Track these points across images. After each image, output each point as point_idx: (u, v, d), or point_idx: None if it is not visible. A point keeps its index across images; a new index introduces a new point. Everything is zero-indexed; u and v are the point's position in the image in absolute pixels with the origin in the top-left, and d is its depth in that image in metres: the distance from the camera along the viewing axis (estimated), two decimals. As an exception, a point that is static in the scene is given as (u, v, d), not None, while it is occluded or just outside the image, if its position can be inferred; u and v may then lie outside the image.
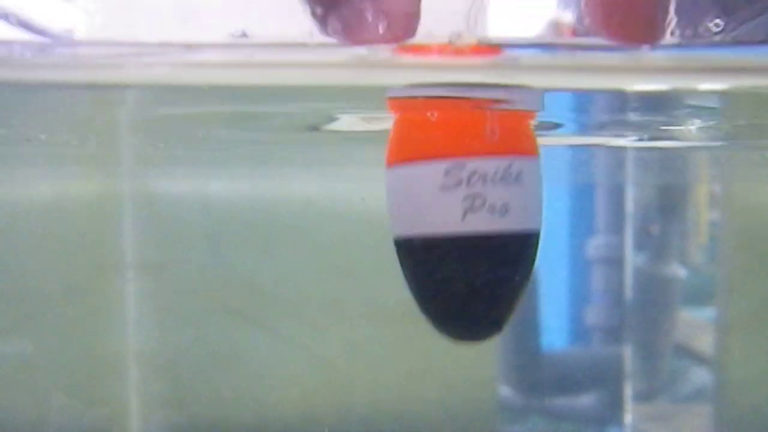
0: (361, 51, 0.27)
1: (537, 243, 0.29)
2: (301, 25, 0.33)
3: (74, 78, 0.33)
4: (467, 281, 0.28)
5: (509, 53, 0.27)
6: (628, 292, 0.75)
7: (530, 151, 0.28)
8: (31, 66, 0.31)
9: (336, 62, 0.27)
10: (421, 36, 0.26)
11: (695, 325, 0.75)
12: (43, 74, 0.33)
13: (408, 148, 0.28)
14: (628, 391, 0.75)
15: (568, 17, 0.33)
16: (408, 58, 0.26)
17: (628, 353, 0.75)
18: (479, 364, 0.66)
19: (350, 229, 0.58)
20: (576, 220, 0.78)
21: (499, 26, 0.33)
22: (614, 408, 0.76)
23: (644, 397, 0.75)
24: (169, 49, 0.30)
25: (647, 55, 0.28)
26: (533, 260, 0.29)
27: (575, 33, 0.33)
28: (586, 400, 0.77)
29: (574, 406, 0.77)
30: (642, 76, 0.30)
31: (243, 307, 0.66)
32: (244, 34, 0.34)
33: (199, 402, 0.67)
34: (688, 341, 0.76)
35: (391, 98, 0.30)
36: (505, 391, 0.75)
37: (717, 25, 0.31)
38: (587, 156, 0.58)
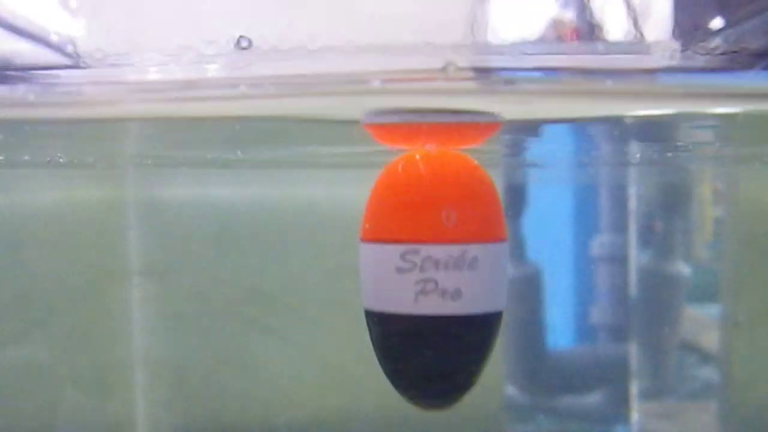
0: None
1: (493, 323, 0.30)
2: (301, 30, 0.33)
3: (77, 115, 0.34)
4: (420, 358, 0.30)
5: (507, 77, 0.28)
6: (633, 291, 0.75)
7: (490, 237, 0.29)
8: (35, 105, 0.32)
9: (327, 92, 0.29)
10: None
11: (701, 322, 0.75)
12: (46, 112, 0.33)
13: (373, 227, 0.30)
14: (634, 389, 0.75)
15: (568, 16, 0.33)
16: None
17: (633, 351, 0.75)
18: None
19: (355, 231, 0.59)
20: (580, 219, 0.78)
21: (499, 27, 0.33)
22: (620, 406, 0.76)
23: (650, 395, 0.75)
24: (170, 86, 0.30)
25: (647, 80, 0.29)
26: (490, 339, 0.30)
27: (577, 32, 0.33)
28: (592, 399, 0.77)
29: (581, 405, 0.77)
30: (642, 101, 0.31)
31: (249, 311, 0.66)
32: (244, 41, 0.34)
33: (205, 405, 0.68)
34: (694, 339, 0.76)
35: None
36: (512, 390, 0.75)
37: (716, 25, 0.31)
38: (590, 155, 0.59)
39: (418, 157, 0.30)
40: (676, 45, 0.33)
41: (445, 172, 0.30)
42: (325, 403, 0.67)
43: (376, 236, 0.30)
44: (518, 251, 0.75)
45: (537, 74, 0.29)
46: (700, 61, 0.33)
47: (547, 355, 0.79)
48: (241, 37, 0.32)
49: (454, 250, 0.28)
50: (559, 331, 0.79)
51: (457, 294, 0.29)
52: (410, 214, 0.29)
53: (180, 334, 0.67)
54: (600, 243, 0.77)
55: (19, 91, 0.32)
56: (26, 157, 0.50)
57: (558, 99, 0.30)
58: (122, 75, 0.32)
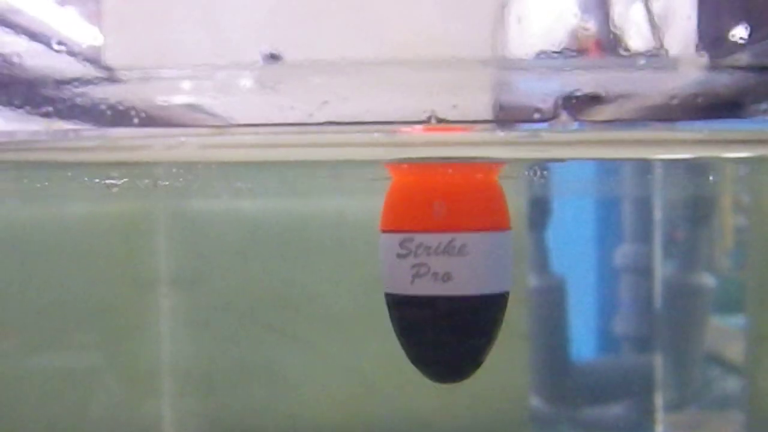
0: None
1: (490, 304, 0.33)
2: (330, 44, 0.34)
3: (103, 158, 0.35)
4: (421, 335, 0.34)
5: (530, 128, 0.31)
6: (658, 301, 0.75)
7: (479, 226, 0.33)
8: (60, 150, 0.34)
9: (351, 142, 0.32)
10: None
11: (725, 333, 0.75)
12: (70, 156, 0.35)
13: (384, 220, 0.34)
14: (659, 400, 0.75)
15: (590, 26, 0.33)
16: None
17: (658, 362, 0.75)
18: (511, 374, 0.66)
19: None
20: (603, 230, 0.78)
21: (520, 40, 0.33)
22: (645, 417, 0.75)
23: (675, 406, 0.75)
24: (198, 131, 0.32)
25: (671, 129, 0.30)
26: (489, 319, 0.34)
27: (599, 43, 0.33)
28: (616, 410, 0.77)
29: (605, 416, 0.77)
30: (666, 148, 0.32)
31: (276, 321, 0.66)
32: (274, 55, 0.35)
33: (232, 414, 0.68)
34: (718, 349, 0.76)
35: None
36: (536, 401, 0.75)
37: (741, 38, 0.31)
38: (614, 166, 0.59)
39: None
40: (702, 59, 0.33)
41: (441, 168, 0.34)
42: (350, 412, 0.67)
43: (384, 227, 0.34)
44: (542, 262, 0.75)
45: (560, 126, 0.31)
46: (725, 78, 0.33)
47: (571, 366, 0.79)
48: (271, 53, 0.33)
49: (444, 238, 0.32)
50: (584, 342, 0.79)
51: (447, 277, 0.32)
52: (407, 206, 0.34)
53: (208, 342, 0.67)
54: (623, 253, 0.77)
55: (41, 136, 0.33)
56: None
57: (582, 148, 0.33)
58: (154, 91, 0.33)
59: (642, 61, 0.33)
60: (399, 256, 0.33)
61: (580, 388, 0.78)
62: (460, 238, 0.32)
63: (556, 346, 0.78)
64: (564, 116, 0.33)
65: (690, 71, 0.33)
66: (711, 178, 0.61)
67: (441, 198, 0.33)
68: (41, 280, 0.65)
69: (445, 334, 0.33)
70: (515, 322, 0.69)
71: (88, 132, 0.34)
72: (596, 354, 0.80)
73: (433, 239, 0.32)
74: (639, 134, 0.31)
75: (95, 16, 0.38)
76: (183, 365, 0.67)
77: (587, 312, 0.79)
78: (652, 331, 0.76)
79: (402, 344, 0.35)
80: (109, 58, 0.38)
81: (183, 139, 0.33)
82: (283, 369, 0.67)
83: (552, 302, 0.76)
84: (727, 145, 0.33)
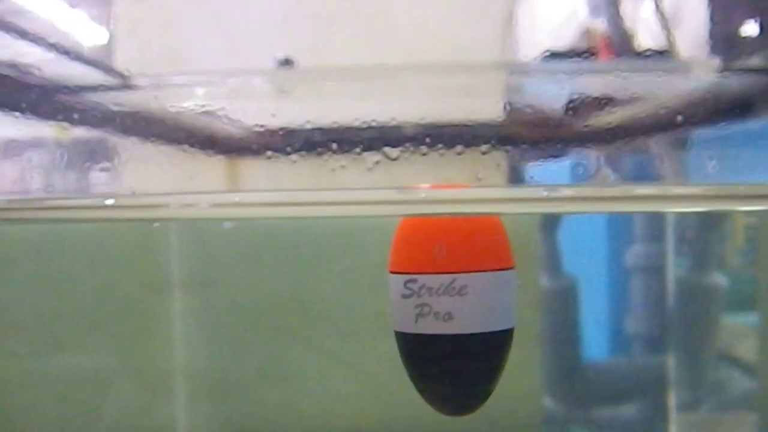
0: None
1: (491, 342, 0.35)
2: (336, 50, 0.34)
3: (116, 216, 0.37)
4: (428, 371, 0.35)
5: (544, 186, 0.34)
6: (670, 301, 0.75)
7: (480, 267, 0.34)
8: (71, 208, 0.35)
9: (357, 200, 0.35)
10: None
11: (738, 332, 0.75)
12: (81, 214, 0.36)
13: (391, 261, 0.36)
14: (672, 400, 0.74)
15: (600, 25, 0.33)
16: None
17: (670, 362, 0.75)
18: (523, 375, 0.66)
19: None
20: (615, 229, 0.78)
21: (530, 39, 0.33)
22: (657, 417, 0.75)
23: (688, 406, 0.75)
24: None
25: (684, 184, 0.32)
26: (492, 355, 0.35)
27: (608, 41, 0.33)
28: (629, 410, 0.76)
29: (617, 417, 0.77)
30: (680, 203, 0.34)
31: (288, 324, 0.67)
32: (287, 61, 0.35)
33: (245, 418, 0.68)
34: (731, 349, 0.76)
35: None
36: (548, 401, 0.75)
37: (752, 37, 0.31)
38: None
39: None
40: (715, 62, 0.33)
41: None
42: (362, 414, 0.67)
43: (391, 268, 0.36)
44: (553, 263, 0.75)
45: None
46: (737, 82, 0.33)
47: (583, 366, 0.79)
48: (285, 58, 0.33)
49: (444, 279, 0.34)
50: (596, 342, 0.79)
51: (448, 316, 0.34)
52: (410, 248, 0.35)
53: (220, 345, 0.67)
54: (635, 253, 0.77)
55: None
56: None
57: (593, 204, 0.35)
58: (168, 97, 0.34)
59: (652, 64, 0.33)
60: (403, 296, 0.34)
61: (593, 388, 0.78)
62: (461, 278, 0.34)
63: (569, 347, 0.78)
64: (604, 172, 0.34)
65: (702, 74, 0.33)
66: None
67: (442, 240, 0.34)
68: (55, 283, 0.65)
69: (449, 370, 0.35)
70: (527, 322, 0.69)
71: (101, 191, 0.36)
72: (608, 354, 0.80)
73: (434, 280, 0.34)
74: (653, 190, 0.34)
75: (105, 19, 0.38)
76: (196, 368, 0.68)
77: (599, 312, 0.79)
78: (665, 330, 0.76)
79: (411, 379, 0.36)
80: (121, 64, 0.38)
81: (194, 198, 0.35)
82: (296, 372, 0.67)
83: (564, 302, 0.76)
84: (740, 200, 0.35)
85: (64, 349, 0.66)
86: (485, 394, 0.36)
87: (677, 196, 0.34)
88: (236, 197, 0.36)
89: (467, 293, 0.34)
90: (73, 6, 0.39)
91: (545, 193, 0.34)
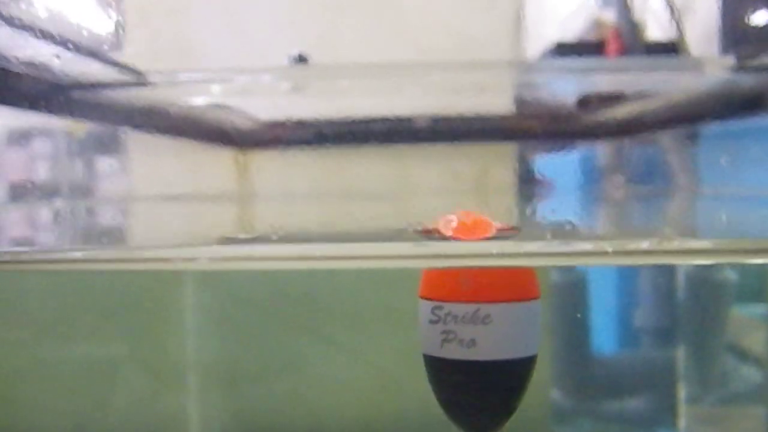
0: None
1: (512, 368, 0.36)
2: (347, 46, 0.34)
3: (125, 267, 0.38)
4: (452, 393, 0.37)
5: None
6: (679, 294, 0.75)
7: (503, 298, 0.36)
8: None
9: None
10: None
11: (747, 324, 0.75)
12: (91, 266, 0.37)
13: (421, 287, 0.38)
14: (681, 393, 0.74)
15: (609, 16, 0.33)
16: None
17: (680, 355, 0.75)
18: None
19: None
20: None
21: (540, 31, 0.34)
22: (666, 410, 0.75)
23: (696, 399, 0.75)
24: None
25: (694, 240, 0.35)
26: (513, 381, 0.37)
27: (618, 33, 0.33)
28: (637, 403, 0.77)
29: (626, 409, 0.77)
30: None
31: (299, 317, 0.67)
32: (301, 58, 0.35)
33: (255, 409, 0.69)
34: (741, 341, 0.75)
35: None
36: (557, 394, 0.76)
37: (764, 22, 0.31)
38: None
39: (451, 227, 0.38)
40: (729, 61, 0.33)
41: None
42: (374, 409, 0.67)
43: (421, 293, 0.38)
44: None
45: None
46: (750, 80, 0.34)
47: (593, 359, 0.79)
48: (300, 54, 0.33)
49: (469, 308, 0.36)
50: (605, 335, 0.79)
51: (472, 343, 0.36)
52: (438, 277, 0.37)
53: (232, 338, 0.68)
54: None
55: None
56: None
57: (610, 258, 0.36)
58: (184, 95, 0.34)
59: (663, 62, 0.34)
60: (431, 321, 0.36)
61: (602, 381, 0.78)
62: (484, 308, 0.36)
63: (578, 340, 0.78)
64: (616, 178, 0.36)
65: (713, 71, 0.33)
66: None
67: (468, 270, 0.37)
68: (65, 275, 0.66)
69: (472, 393, 0.37)
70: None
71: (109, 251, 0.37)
72: (617, 347, 0.80)
73: (459, 309, 0.36)
74: (663, 246, 0.35)
75: (115, 10, 0.38)
76: (207, 360, 0.68)
77: (608, 305, 0.79)
78: (674, 323, 0.76)
79: (437, 400, 0.38)
80: (131, 55, 0.38)
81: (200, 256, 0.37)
82: (307, 365, 0.68)
83: (573, 296, 0.76)
84: (747, 254, 0.36)
85: (75, 340, 0.66)
86: (506, 416, 0.38)
87: (690, 251, 0.36)
88: (250, 250, 0.38)
89: (490, 322, 0.36)
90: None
91: (561, 249, 0.36)
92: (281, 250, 0.37)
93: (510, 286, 0.37)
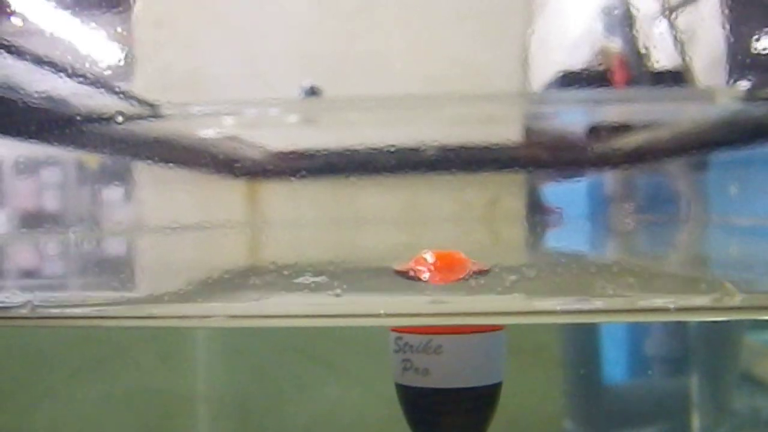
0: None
1: (469, 396, 0.39)
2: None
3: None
4: (414, 417, 0.40)
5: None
6: (691, 322, 0.75)
7: (455, 330, 0.38)
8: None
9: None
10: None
11: (759, 351, 0.74)
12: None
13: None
14: (695, 422, 0.74)
15: (615, 45, 0.34)
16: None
17: (693, 384, 0.74)
18: (544, 398, 0.66)
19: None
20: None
21: (545, 59, 0.34)
22: (680, 440, 0.75)
23: (711, 429, 0.74)
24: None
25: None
26: (471, 408, 0.39)
27: (624, 61, 0.33)
28: (652, 433, 0.76)
29: (640, 439, 0.76)
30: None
31: (309, 346, 0.67)
32: (313, 90, 0.36)
33: (267, 440, 0.69)
34: (753, 369, 0.75)
35: None
36: (570, 424, 0.75)
37: None
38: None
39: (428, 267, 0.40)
40: (740, 91, 0.34)
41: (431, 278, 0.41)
42: (384, 437, 0.67)
43: (390, 326, 0.40)
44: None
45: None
46: (762, 109, 0.34)
47: (605, 389, 0.78)
48: (312, 87, 0.34)
49: (423, 339, 0.38)
50: (617, 365, 0.79)
51: (425, 371, 0.38)
52: None
53: (242, 368, 0.68)
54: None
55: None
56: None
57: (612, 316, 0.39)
58: (196, 127, 0.35)
59: (670, 92, 0.34)
60: (394, 351, 0.39)
61: (615, 411, 0.78)
62: (436, 339, 0.38)
63: (590, 369, 0.77)
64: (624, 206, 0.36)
65: (724, 100, 0.33)
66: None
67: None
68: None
69: (430, 418, 0.39)
70: (548, 346, 0.69)
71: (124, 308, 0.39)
72: (630, 377, 0.80)
73: (414, 339, 0.39)
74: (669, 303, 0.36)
75: (127, 42, 0.39)
76: (218, 391, 0.68)
77: (620, 334, 0.78)
78: (686, 352, 0.75)
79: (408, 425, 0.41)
80: (141, 86, 0.39)
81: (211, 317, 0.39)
82: (318, 395, 0.68)
83: (585, 325, 0.76)
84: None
85: (85, 373, 0.67)
86: None
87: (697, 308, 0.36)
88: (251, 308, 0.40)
89: (442, 352, 0.38)
90: (93, 28, 0.40)
91: (558, 308, 0.37)
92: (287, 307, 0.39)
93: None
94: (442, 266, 0.39)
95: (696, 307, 0.36)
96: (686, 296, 0.37)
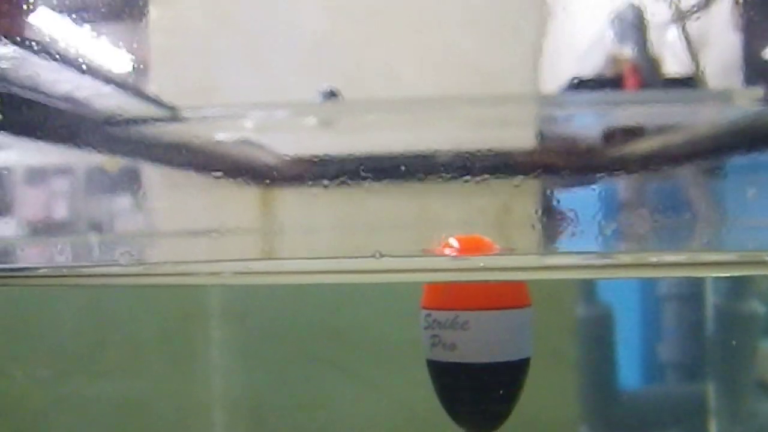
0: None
1: (493, 371, 0.40)
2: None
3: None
4: (445, 392, 0.41)
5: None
6: (707, 328, 0.74)
7: (481, 306, 0.40)
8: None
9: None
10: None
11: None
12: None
13: (421, 299, 0.42)
14: (712, 429, 0.74)
15: (626, 51, 0.34)
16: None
17: (709, 391, 0.74)
18: (560, 404, 0.66)
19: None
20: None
21: (557, 66, 0.34)
22: (698, 447, 0.75)
23: (728, 434, 0.74)
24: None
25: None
26: (496, 383, 0.40)
27: (636, 67, 0.34)
28: (668, 440, 0.76)
29: (656, 446, 0.76)
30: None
31: (325, 352, 0.67)
32: (332, 93, 0.36)
33: (282, 446, 0.69)
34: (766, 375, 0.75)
35: None
36: (585, 430, 0.75)
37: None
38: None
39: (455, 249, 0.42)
40: (759, 92, 0.34)
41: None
42: (399, 443, 0.67)
43: (421, 304, 0.42)
44: (589, 291, 0.75)
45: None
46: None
47: (620, 395, 0.78)
48: (331, 90, 0.34)
49: (450, 314, 0.40)
50: (633, 371, 0.78)
51: (452, 346, 0.39)
52: (429, 289, 0.42)
53: (258, 374, 0.68)
54: (671, 280, 0.77)
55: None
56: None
57: (630, 270, 0.40)
58: (213, 130, 0.35)
59: (683, 94, 0.34)
60: (424, 327, 0.41)
61: (630, 417, 0.77)
62: (463, 315, 0.40)
63: (605, 375, 0.77)
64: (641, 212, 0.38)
65: (742, 103, 0.33)
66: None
67: (451, 284, 0.41)
68: (95, 311, 0.66)
69: (460, 393, 0.41)
70: (563, 351, 0.69)
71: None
72: (646, 383, 0.79)
73: (442, 315, 0.40)
74: (684, 257, 0.38)
75: (142, 48, 0.39)
76: (234, 396, 0.68)
77: (635, 340, 0.78)
78: (703, 358, 0.75)
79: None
80: (155, 91, 0.39)
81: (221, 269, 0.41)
82: (332, 400, 0.68)
83: (600, 331, 0.76)
84: None
85: (102, 377, 0.67)
86: (499, 415, 0.41)
87: (709, 263, 0.37)
88: (264, 265, 0.42)
89: (469, 328, 0.39)
90: (108, 35, 0.41)
91: (578, 261, 0.40)
92: (302, 264, 0.41)
93: (487, 295, 0.40)
94: (470, 248, 0.41)
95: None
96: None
